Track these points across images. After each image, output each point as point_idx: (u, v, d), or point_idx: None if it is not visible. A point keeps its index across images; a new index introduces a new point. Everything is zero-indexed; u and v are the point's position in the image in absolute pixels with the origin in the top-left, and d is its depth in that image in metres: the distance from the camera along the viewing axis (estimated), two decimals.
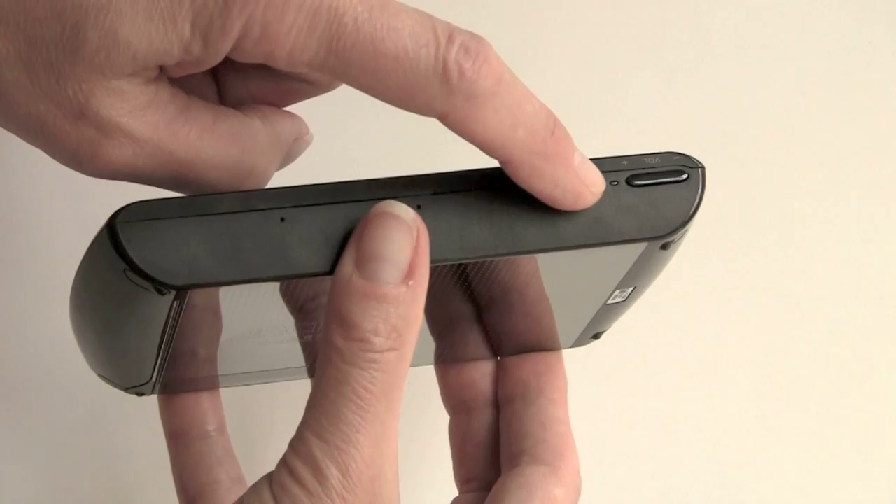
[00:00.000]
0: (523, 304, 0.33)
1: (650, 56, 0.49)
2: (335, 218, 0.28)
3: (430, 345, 0.36)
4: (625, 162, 0.30)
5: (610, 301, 0.34)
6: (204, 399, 0.37)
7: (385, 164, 0.47)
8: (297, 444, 0.28)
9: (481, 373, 0.37)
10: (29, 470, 0.45)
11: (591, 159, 0.29)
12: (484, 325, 0.35)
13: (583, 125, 0.51)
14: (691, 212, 0.30)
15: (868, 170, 0.50)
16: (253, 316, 0.31)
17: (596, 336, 0.37)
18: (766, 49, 0.50)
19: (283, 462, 0.28)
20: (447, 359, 0.37)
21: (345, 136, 0.47)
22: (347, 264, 0.27)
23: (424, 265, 0.28)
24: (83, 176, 0.29)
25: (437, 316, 0.34)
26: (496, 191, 0.29)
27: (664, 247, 0.30)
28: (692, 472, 0.49)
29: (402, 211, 0.28)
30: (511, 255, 0.29)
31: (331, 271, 0.28)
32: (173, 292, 0.27)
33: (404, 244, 0.27)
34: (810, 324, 0.49)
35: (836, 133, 0.50)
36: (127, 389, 0.34)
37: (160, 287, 0.27)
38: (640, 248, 0.30)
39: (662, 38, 0.49)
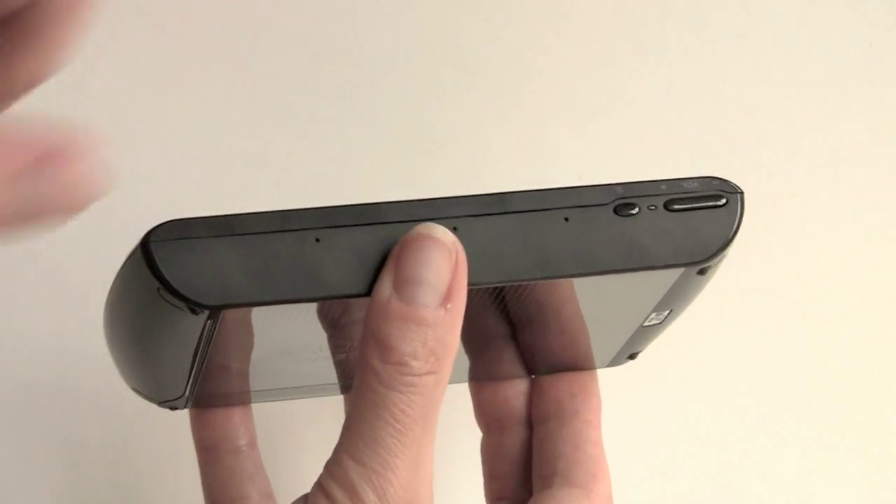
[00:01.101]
0: (559, 323, 0.33)
1: (651, 59, 0.49)
2: (371, 239, 0.28)
3: (465, 362, 0.36)
4: (663, 186, 0.29)
5: (646, 323, 0.34)
6: (236, 413, 0.37)
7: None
8: (334, 467, 0.28)
9: (515, 391, 0.37)
10: (45, 481, 0.45)
11: (632, 183, 0.29)
12: (519, 343, 0.35)
13: (584, 129, 0.51)
14: (729, 237, 0.29)
15: (869, 171, 0.50)
16: (287, 333, 0.31)
17: (632, 356, 0.37)
18: (766, 51, 0.50)
19: (319, 485, 0.28)
20: (481, 376, 0.37)
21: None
22: (385, 286, 0.27)
23: (462, 289, 0.28)
24: None
25: (473, 334, 0.34)
26: (531, 213, 0.29)
27: (701, 272, 0.30)
28: (692, 474, 0.49)
29: (441, 234, 0.28)
30: (546, 279, 0.29)
31: (366, 293, 0.28)
32: (207, 312, 0.27)
33: (443, 267, 0.27)
34: (811, 326, 0.49)
35: (837, 134, 0.50)
36: (160, 404, 0.34)
37: (194, 307, 0.27)
38: (676, 273, 0.30)
39: (663, 41, 0.49)
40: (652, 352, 0.48)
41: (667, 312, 0.33)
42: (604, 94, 0.49)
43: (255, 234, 0.27)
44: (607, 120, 0.49)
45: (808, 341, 0.49)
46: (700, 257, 0.29)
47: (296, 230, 0.27)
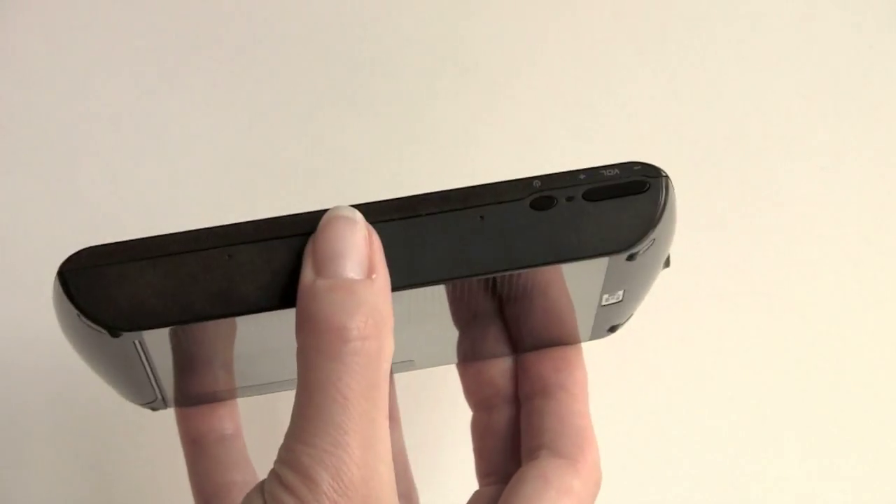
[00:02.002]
0: (534, 302, 0.33)
1: (651, 61, 0.49)
2: (282, 252, 0.28)
3: (452, 343, 0.36)
4: (582, 176, 0.29)
5: (605, 303, 0.33)
6: (219, 405, 0.37)
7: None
8: (284, 453, 0.28)
9: (500, 370, 0.37)
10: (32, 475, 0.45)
11: (550, 175, 0.29)
12: (501, 321, 0.35)
13: (583, 129, 0.51)
14: (653, 223, 0.29)
15: (869, 174, 0.50)
16: (245, 338, 0.31)
17: (612, 329, 0.36)
18: (765, 53, 0.49)
19: (273, 473, 0.28)
20: (468, 357, 0.37)
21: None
22: (308, 273, 0.27)
23: (382, 262, 0.28)
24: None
25: (457, 313, 0.34)
26: (445, 214, 0.29)
27: (630, 258, 0.29)
28: (692, 475, 0.49)
29: (349, 212, 0.28)
30: (465, 278, 0.29)
31: (281, 306, 0.28)
32: (125, 334, 0.28)
33: (358, 241, 0.28)
34: (810, 328, 0.49)
35: (837, 137, 0.50)
36: (142, 405, 0.35)
37: (112, 330, 0.28)
38: (604, 261, 0.29)
39: (663, 43, 0.49)
40: (652, 352, 0.48)
41: (620, 293, 0.33)
42: (604, 95, 0.49)
43: (168, 255, 0.28)
44: (607, 120, 0.49)
45: (808, 342, 0.49)
46: (622, 246, 0.29)
47: (207, 249, 0.28)
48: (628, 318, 0.36)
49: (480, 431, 0.38)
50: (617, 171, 0.29)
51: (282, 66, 0.48)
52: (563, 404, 0.35)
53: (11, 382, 0.46)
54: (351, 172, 0.48)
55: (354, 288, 0.27)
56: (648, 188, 0.28)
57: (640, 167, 0.29)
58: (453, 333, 0.35)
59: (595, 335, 0.36)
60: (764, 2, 0.50)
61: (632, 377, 0.48)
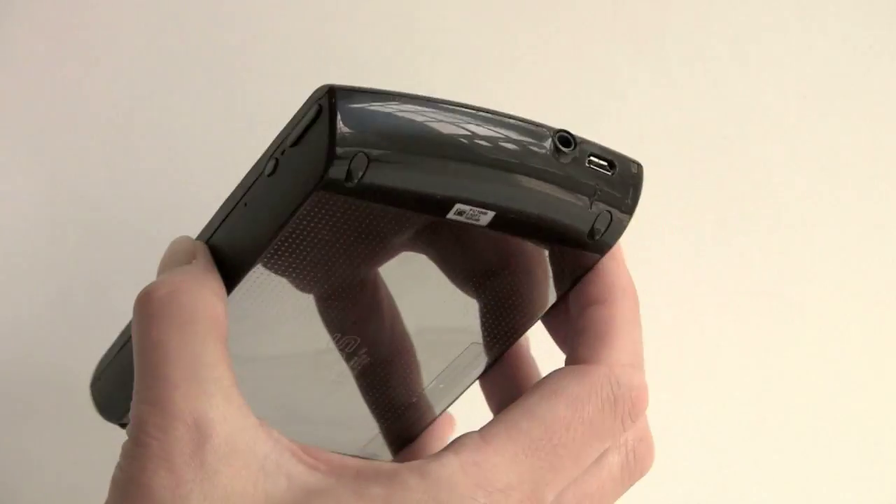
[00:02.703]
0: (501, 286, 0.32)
1: (650, 60, 0.49)
2: None
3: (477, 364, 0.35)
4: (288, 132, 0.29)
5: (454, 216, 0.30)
6: None
7: None
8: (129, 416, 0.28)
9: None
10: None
11: (273, 146, 0.30)
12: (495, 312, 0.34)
13: (581, 128, 0.51)
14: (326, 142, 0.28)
15: (869, 173, 0.50)
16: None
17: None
18: (766, 52, 0.50)
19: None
20: (486, 372, 0.36)
21: None
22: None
23: (205, 250, 0.31)
24: None
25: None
26: (230, 214, 0.31)
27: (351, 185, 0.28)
28: (692, 475, 0.49)
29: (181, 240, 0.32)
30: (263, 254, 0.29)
31: None
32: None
33: (180, 247, 0.31)
34: (811, 327, 0.49)
35: (837, 136, 0.50)
36: None
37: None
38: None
39: (662, 42, 0.49)
40: (652, 352, 0.48)
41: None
42: (603, 95, 0.49)
43: None
44: (607, 120, 0.49)
45: (808, 342, 0.49)
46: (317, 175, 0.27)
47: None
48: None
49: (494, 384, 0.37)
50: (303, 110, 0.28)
51: (282, 66, 0.48)
52: (588, 317, 0.33)
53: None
54: None
55: (165, 260, 0.31)
56: (319, 113, 0.27)
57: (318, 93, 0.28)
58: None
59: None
60: (764, 2, 0.50)
61: None
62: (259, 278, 0.30)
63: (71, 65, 0.48)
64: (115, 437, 0.32)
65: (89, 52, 0.48)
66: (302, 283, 0.30)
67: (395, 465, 0.28)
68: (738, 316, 0.49)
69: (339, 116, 0.26)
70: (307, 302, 0.31)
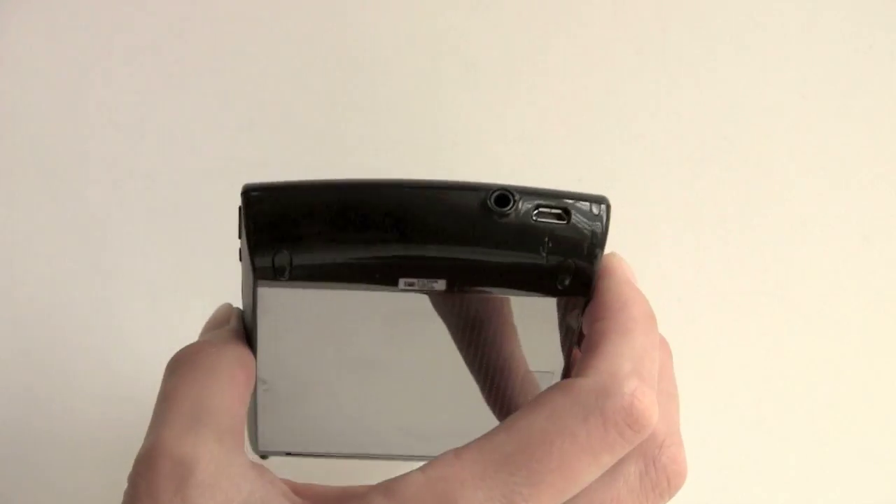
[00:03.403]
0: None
1: (650, 60, 0.49)
2: None
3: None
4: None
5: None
6: None
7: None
8: None
9: None
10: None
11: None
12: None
13: (582, 128, 0.51)
14: None
15: (870, 174, 0.50)
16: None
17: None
18: (766, 52, 0.50)
19: None
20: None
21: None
22: None
23: (239, 320, 0.34)
24: None
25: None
26: None
27: None
28: (692, 476, 0.49)
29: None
30: None
31: None
32: None
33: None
34: (811, 327, 0.49)
35: (838, 137, 0.50)
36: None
37: None
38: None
39: (662, 42, 0.49)
40: None
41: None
42: (604, 95, 0.49)
43: None
44: (607, 120, 0.49)
45: (808, 342, 0.49)
46: None
47: None
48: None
49: None
50: None
51: (282, 66, 0.48)
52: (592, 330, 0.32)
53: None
54: (351, 172, 0.48)
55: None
56: (240, 213, 0.30)
57: None
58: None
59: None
60: (764, 2, 0.50)
61: None
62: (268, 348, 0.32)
63: (71, 64, 0.48)
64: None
65: (90, 53, 0.48)
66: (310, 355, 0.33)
67: (367, 486, 0.29)
68: (738, 316, 0.49)
69: (253, 217, 0.28)
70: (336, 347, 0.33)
